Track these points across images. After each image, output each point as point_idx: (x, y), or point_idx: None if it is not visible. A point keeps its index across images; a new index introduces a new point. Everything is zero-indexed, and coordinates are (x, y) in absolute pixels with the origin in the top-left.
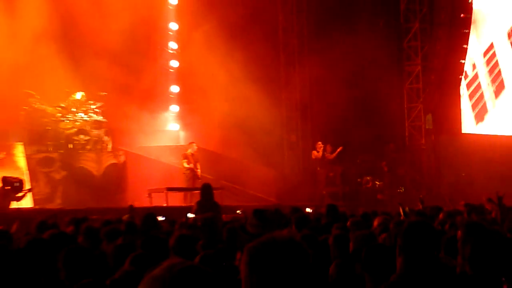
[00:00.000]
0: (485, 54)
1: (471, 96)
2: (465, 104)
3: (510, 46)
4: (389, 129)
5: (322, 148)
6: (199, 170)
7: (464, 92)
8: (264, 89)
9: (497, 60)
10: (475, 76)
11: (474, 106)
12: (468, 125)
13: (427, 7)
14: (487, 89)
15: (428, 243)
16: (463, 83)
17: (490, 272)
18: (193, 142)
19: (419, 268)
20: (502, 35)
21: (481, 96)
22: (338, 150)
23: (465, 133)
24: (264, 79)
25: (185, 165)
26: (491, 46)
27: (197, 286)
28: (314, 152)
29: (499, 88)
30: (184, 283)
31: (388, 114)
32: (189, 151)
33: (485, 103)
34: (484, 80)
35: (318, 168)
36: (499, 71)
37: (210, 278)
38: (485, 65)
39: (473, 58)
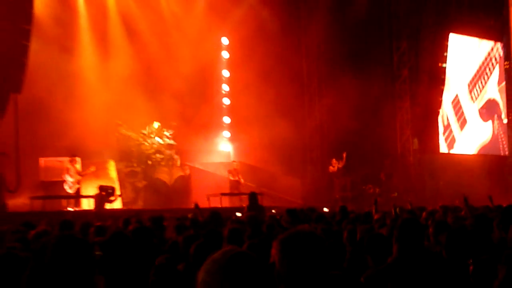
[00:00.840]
0: (453, 101)
1: (445, 128)
2: (441, 132)
3: (469, 94)
4: (386, 148)
5: (336, 164)
6: (241, 180)
7: (440, 123)
8: (292, 118)
9: (460, 105)
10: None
11: (447, 134)
12: (443, 147)
13: (413, 59)
14: (455, 123)
15: (416, 234)
16: (440, 117)
17: (460, 255)
18: (234, 161)
19: (410, 253)
20: (464, 86)
21: (451, 128)
22: (344, 155)
23: (442, 153)
24: (292, 110)
25: (231, 177)
26: (456, 96)
27: (245, 266)
28: (330, 167)
29: (462, 123)
30: (236, 264)
31: (385, 138)
32: (232, 167)
33: (453, 133)
34: (452, 117)
35: (335, 179)
36: (462, 111)
37: (254, 260)
38: (452, 108)
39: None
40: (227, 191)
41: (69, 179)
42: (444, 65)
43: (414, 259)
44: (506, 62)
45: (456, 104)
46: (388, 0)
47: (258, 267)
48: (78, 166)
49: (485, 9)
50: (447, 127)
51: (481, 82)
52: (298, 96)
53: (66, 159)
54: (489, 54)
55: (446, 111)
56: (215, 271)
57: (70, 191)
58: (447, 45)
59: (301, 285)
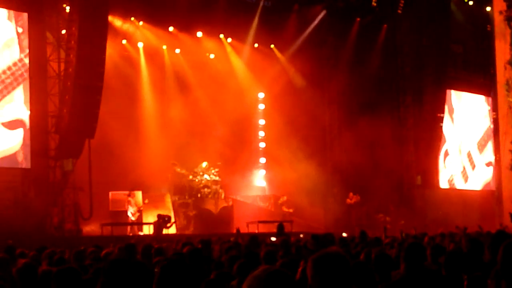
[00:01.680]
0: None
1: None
2: (440, 171)
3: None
4: (395, 184)
5: (353, 197)
6: (291, 210)
7: (441, 163)
8: (316, 158)
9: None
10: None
11: (445, 173)
12: (442, 183)
13: (417, 110)
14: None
15: (420, 255)
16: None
17: (456, 272)
18: (284, 195)
19: (415, 271)
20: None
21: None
22: (357, 198)
23: (442, 188)
24: (316, 151)
25: (284, 209)
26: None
27: (280, 281)
28: (348, 200)
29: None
30: (273, 279)
31: (394, 175)
32: (282, 200)
33: (451, 172)
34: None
35: (351, 209)
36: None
37: (287, 276)
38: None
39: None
40: (263, 219)
41: (130, 209)
42: (442, 115)
43: (418, 276)
44: (493, 113)
45: (453, 146)
46: (396, 62)
47: (290, 281)
48: (138, 198)
49: (476, 69)
50: (446, 166)
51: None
52: (321, 139)
53: (125, 193)
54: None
55: (444, 152)
56: (256, 285)
57: (132, 218)
58: (445, 99)
59: None
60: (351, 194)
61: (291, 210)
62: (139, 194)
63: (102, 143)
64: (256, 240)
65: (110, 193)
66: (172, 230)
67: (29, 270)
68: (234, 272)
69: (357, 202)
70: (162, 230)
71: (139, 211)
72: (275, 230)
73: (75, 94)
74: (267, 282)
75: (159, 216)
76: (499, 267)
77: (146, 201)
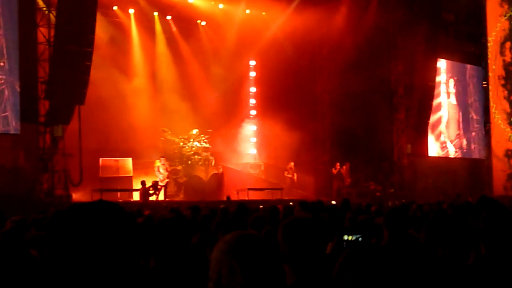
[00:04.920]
0: (441, 114)
1: (435, 135)
2: (430, 139)
3: (454, 108)
4: (385, 153)
5: (338, 168)
6: (295, 177)
7: (431, 132)
8: (307, 128)
9: (447, 116)
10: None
11: (435, 141)
12: (433, 151)
13: (408, 78)
14: (444, 131)
15: (402, 222)
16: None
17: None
18: (291, 162)
19: (397, 238)
20: (450, 101)
21: (440, 135)
22: (344, 167)
23: (431, 156)
24: (307, 121)
25: (286, 174)
26: (444, 109)
27: (251, 246)
28: (333, 169)
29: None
30: (243, 244)
31: (384, 144)
32: (288, 166)
33: (440, 140)
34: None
35: (334, 181)
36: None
37: (259, 241)
38: (440, 118)
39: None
40: (253, 186)
41: (159, 175)
42: (433, 84)
43: (400, 243)
44: (484, 82)
45: (443, 117)
46: (387, 31)
47: (263, 247)
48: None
49: (468, 38)
50: (436, 135)
51: (464, 97)
52: (312, 106)
53: (115, 160)
54: (469, 76)
55: (434, 122)
56: (225, 250)
57: (161, 184)
58: (436, 67)
59: (299, 263)
60: (337, 164)
61: (294, 177)
62: (129, 161)
63: (92, 109)
64: (244, 207)
65: (100, 159)
66: (161, 196)
67: (15, 234)
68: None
69: (346, 171)
70: (148, 197)
71: (169, 177)
72: (265, 197)
73: (64, 60)
74: (237, 247)
75: (143, 182)
76: (480, 232)
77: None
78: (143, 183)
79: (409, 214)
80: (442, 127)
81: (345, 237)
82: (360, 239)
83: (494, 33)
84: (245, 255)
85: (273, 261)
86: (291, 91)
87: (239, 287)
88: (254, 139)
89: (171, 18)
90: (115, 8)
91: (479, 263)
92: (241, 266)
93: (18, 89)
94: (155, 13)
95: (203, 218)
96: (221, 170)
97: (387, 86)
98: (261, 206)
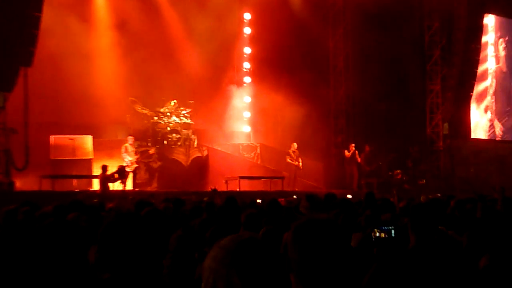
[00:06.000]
0: (488, 85)
1: (479, 112)
2: (473, 116)
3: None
4: (414, 134)
5: (352, 151)
6: (300, 164)
7: (473, 106)
8: (316, 99)
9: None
10: (484, 94)
11: (480, 119)
12: (477, 132)
13: (446, 39)
14: (491, 106)
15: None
16: (472, 100)
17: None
18: (294, 142)
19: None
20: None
21: (486, 110)
22: (362, 152)
23: (474, 138)
24: (316, 91)
25: (288, 160)
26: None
27: (255, 253)
28: (346, 152)
29: (498, 107)
30: (245, 250)
31: (414, 122)
32: (291, 149)
33: (487, 118)
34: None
35: (346, 165)
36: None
37: (265, 247)
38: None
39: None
40: (246, 174)
41: (126, 157)
42: (479, 46)
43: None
44: None
45: (490, 88)
46: None
47: (267, 254)
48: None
49: None
50: (481, 111)
51: None
52: (322, 73)
53: (71, 137)
54: None
55: (479, 95)
56: (222, 258)
57: (128, 170)
58: (482, 26)
59: (310, 275)
60: (351, 145)
61: (299, 164)
62: (88, 139)
63: (42, 72)
64: (234, 201)
65: (52, 137)
66: (128, 185)
67: None
68: (206, 241)
69: (365, 156)
70: (107, 185)
71: (138, 161)
72: (261, 188)
73: (5, 9)
74: (236, 254)
75: (104, 167)
76: None
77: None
78: (104, 168)
79: (446, 212)
80: (488, 101)
81: (377, 233)
82: (393, 231)
83: None
84: (247, 266)
85: (279, 273)
86: (296, 52)
87: None
88: (248, 114)
89: None
90: None
91: None
92: (242, 280)
93: None
94: None
95: (183, 215)
96: (205, 153)
97: (419, 48)
98: (259, 201)
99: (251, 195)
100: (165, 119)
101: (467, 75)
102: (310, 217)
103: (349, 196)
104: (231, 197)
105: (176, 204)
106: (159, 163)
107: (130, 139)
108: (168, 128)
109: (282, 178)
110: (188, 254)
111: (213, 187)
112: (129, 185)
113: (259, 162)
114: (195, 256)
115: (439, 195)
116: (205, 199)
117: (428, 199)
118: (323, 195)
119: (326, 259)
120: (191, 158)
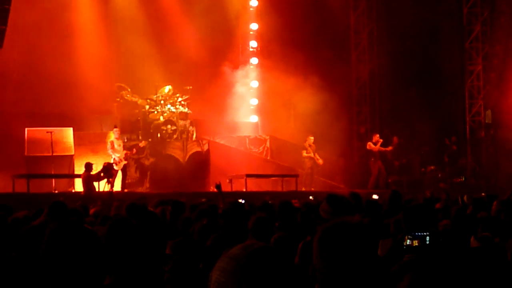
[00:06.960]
0: None
1: None
2: None
3: None
4: (451, 123)
5: (376, 141)
6: (319, 159)
7: None
8: (335, 83)
9: None
10: None
11: None
12: None
13: (488, 11)
14: None
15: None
16: None
17: None
18: (310, 135)
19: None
20: None
21: None
22: (390, 144)
23: None
24: (335, 73)
25: (305, 154)
26: None
27: (267, 265)
28: (370, 144)
29: None
30: (257, 261)
31: (450, 110)
32: (307, 142)
33: None
34: None
35: (372, 159)
36: None
37: (279, 257)
38: None
39: None
40: (254, 172)
41: (114, 154)
42: None
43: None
44: None
45: None
46: None
47: (283, 265)
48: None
49: None
50: None
51: None
52: (343, 54)
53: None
54: None
55: None
56: (231, 270)
57: (116, 168)
58: None
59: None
60: (375, 136)
61: (318, 159)
62: (69, 132)
63: (17, 55)
64: (240, 204)
65: (26, 129)
66: (116, 186)
67: None
68: (208, 250)
69: (392, 149)
70: (92, 186)
71: (128, 157)
72: (271, 188)
73: None
74: (248, 267)
75: (88, 165)
76: None
77: (142, 143)
78: (88, 166)
79: (491, 215)
80: None
81: (408, 241)
82: (427, 238)
83: None
84: (260, 281)
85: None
86: (310, 28)
87: None
88: (255, 101)
89: None
90: None
91: None
92: None
93: None
94: None
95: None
96: (205, 147)
97: (456, 21)
98: (270, 201)
99: (259, 196)
100: (158, 108)
101: None
102: (338, 220)
103: (375, 196)
104: (237, 202)
105: (175, 208)
106: (151, 159)
107: (116, 131)
108: (162, 119)
109: (296, 176)
110: (190, 263)
111: (217, 182)
112: (117, 186)
113: (268, 158)
114: (200, 266)
115: (483, 194)
116: (203, 200)
117: (471, 200)
118: (346, 195)
119: (358, 266)
120: (189, 154)
